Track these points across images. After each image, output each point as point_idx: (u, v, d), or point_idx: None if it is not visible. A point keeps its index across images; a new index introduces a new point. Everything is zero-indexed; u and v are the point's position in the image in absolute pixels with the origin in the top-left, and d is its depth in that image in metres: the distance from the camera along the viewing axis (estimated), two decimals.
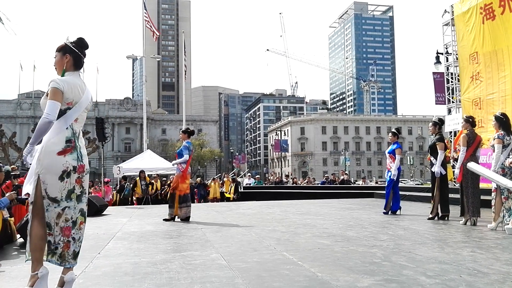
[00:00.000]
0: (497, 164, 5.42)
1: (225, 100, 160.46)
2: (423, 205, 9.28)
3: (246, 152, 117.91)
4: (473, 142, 6.08)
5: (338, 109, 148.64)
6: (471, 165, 2.00)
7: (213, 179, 16.72)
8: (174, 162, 7.24)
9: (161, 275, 3.15)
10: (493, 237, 4.85)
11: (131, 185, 13.46)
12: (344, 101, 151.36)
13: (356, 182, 26.59)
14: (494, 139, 5.62)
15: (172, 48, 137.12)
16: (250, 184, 18.12)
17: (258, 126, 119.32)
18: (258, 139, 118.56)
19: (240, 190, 15.52)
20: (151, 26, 22.96)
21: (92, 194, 12.94)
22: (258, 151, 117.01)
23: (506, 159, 5.35)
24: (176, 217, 7.00)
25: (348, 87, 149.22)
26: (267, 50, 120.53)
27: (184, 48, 26.98)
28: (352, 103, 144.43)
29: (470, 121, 6.33)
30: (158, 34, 23.90)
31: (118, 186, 15.01)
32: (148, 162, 15.65)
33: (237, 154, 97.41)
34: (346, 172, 22.77)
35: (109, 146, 67.22)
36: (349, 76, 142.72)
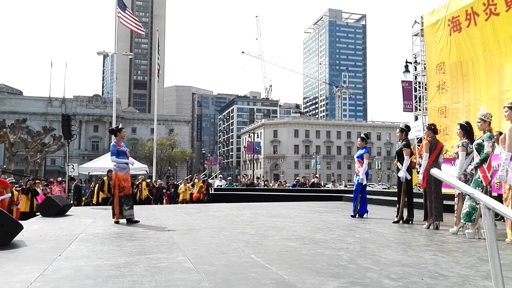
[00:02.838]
0: (460, 171, 5.64)
1: (199, 100, 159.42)
2: (389, 209, 9.50)
3: (218, 154, 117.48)
4: (435, 149, 6.31)
5: (310, 113, 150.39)
6: (434, 171, 2.05)
7: (183, 180, 16.53)
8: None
9: (124, 278, 3.06)
10: (454, 241, 5.02)
11: (98, 185, 13.10)
12: (317, 105, 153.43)
13: (326, 185, 26.92)
14: (458, 147, 5.84)
15: (146, 46, 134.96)
16: (221, 185, 18.01)
17: (231, 127, 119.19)
18: (231, 140, 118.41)
19: (211, 192, 15.39)
20: (134, 23, 22.32)
21: (56, 194, 12.53)
22: (231, 153, 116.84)
23: (468, 166, 5.57)
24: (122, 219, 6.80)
25: (321, 92, 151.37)
26: (242, 52, 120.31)
27: (158, 46, 26.65)
28: (324, 108, 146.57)
29: (432, 129, 6.58)
30: (142, 32, 23.27)
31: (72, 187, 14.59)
32: (111, 161, 15.22)
33: (209, 155, 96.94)
34: (316, 175, 23.03)
35: (75, 144, 65.37)
36: (322, 82, 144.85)
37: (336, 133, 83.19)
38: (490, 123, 5.54)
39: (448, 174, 1.93)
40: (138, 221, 6.82)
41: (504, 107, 5.16)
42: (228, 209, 9.69)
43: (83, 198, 15.99)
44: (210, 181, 20.05)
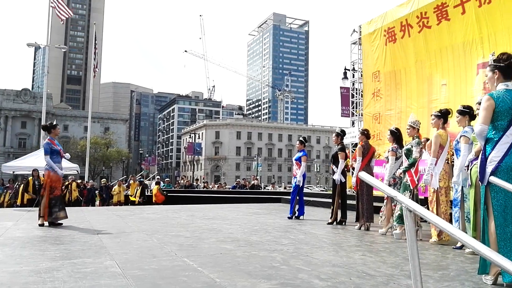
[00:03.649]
0: (390, 174, 5.95)
1: (138, 98, 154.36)
2: (325, 211, 9.77)
3: (157, 154, 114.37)
4: (368, 153, 6.62)
5: (253, 115, 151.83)
6: (362, 175, 2.11)
7: (118, 181, 15.85)
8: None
9: (44, 285, 2.82)
10: (382, 241, 5.26)
11: (23, 185, 12.16)
12: (260, 108, 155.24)
13: (266, 187, 27.27)
14: (388, 151, 6.15)
15: (82, 39, 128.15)
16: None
17: (171, 127, 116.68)
18: (170, 141, 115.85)
19: (146, 194, 14.90)
20: (59, 9, 20.79)
21: None
22: (170, 154, 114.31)
23: (397, 170, 5.89)
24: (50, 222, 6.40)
25: (264, 95, 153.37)
26: (185, 51, 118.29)
27: (95, 40, 25.35)
28: (267, 111, 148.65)
29: (365, 134, 6.90)
30: (68, 15, 21.56)
31: None
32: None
33: (147, 155, 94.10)
34: (257, 177, 23.23)
35: None
36: (266, 85, 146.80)
37: (278, 136, 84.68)
38: (418, 129, 5.89)
39: (374, 177, 1.99)
40: (61, 224, 6.39)
41: (431, 115, 5.50)
42: (164, 212, 9.43)
43: (5, 199, 14.74)
44: (146, 182, 19.44)
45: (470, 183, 4.39)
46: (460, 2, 10.83)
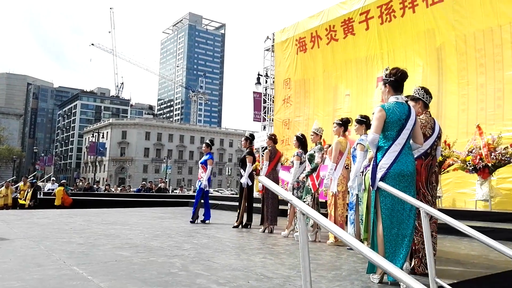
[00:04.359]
0: (294, 178, 6.15)
1: (35, 92, 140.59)
2: (233, 214, 9.79)
3: (54, 154, 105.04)
4: (274, 157, 6.79)
5: (164, 115, 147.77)
6: (261, 179, 2.10)
7: (6, 183, 14.18)
8: None
9: None
10: (284, 243, 5.39)
11: None
12: (172, 108, 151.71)
13: (174, 191, 26.64)
14: (294, 156, 6.36)
15: None
16: (53, 190, 16.00)
17: (72, 125, 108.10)
18: (71, 139, 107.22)
19: (39, 197, 13.51)
20: None
21: None
22: (70, 153, 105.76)
23: (301, 174, 6.11)
24: None
25: (177, 95, 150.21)
26: (92, 44, 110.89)
27: None
28: (179, 112, 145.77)
29: (272, 139, 7.08)
30: None
31: None
32: None
33: (42, 155, 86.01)
34: (164, 180, 22.56)
35: None
36: (179, 85, 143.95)
37: (190, 138, 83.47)
38: (321, 136, 6.18)
39: (272, 181, 1.98)
40: None
41: (333, 123, 5.82)
42: (57, 216, 8.63)
43: None
44: (40, 184, 17.72)
45: (364, 188, 4.70)
46: (365, 18, 11.75)
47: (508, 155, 7.59)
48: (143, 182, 21.99)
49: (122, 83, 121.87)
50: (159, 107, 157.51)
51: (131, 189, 21.67)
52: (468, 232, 2.45)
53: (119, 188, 20.73)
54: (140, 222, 7.66)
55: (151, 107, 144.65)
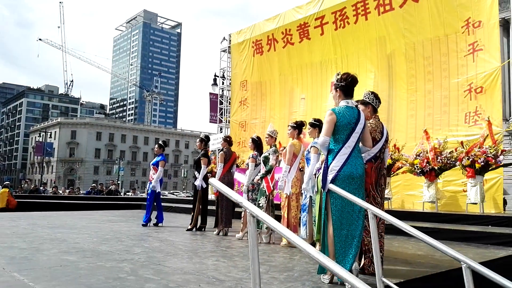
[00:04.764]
0: (249, 180, 6.15)
1: None
2: (187, 217, 9.65)
3: None
4: (229, 159, 6.78)
5: (117, 115, 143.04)
6: (212, 181, 2.08)
7: None
8: None
9: None
10: (238, 246, 5.38)
11: None
12: (125, 108, 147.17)
13: (127, 193, 25.87)
14: (249, 158, 6.37)
15: None
16: None
17: (18, 124, 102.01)
18: (16, 139, 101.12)
19: None
20: None
21: None
22: (15, 154, 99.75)
23: (256, 176, 6.12)
24: None
25: (130, 95, 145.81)
26: (40, 39, 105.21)
27: None
28: (133, 112, 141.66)
29: (227, 140, 7.06)
30: None
31: None
32: None
33: None
34: (116, 182, 21.85)
35: None
36: (133, 84, 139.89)
37: (144, 139, 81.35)
38: (276, 138, 6.24)
39: (222, 184, 1.97)
40: None
41: (288, 126, 5.89)
42: None
43: None
44: None
45: (316, 190, 4.79)
46: (320, 24, 12.00)
47: (453, 159, 8.03)
48: (93, 184, 21.14)
49: (72, 81, 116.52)
50: (111, 106, 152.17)
51: (81, 192, 20.76)
52: (411, 232, 2.56)
53: (67, 191, 19.80)
54: (89, 226, 7.36)
55: (102, 106, 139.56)
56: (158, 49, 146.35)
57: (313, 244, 4.97)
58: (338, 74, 3.56)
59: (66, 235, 5.90)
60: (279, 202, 7.48)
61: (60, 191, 19.44)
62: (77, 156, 72.48)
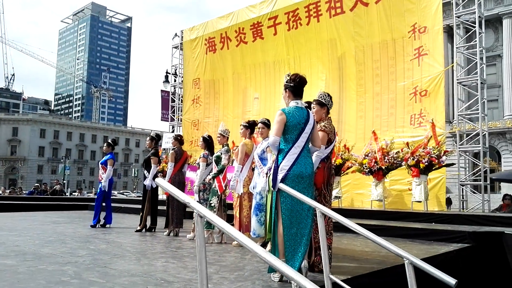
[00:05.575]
0: (200, 180, 6.08)
1: None
2: (137, 217, 9.39)
3: None
4: (180, 159, 6.67)
5: (63, 112, 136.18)
6: (158, 181, 2.04)
7: None
8: None
9: None
10: (189, 246, 5.30)
11: None
12: (71, 104, 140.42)
13: (73, 193, 24.73)
14: (200, 158, 6.30)
15: None
16: None
17: None
18: None
19: None
20: None
21: None
22: None
23: (207, 175, 6.07)
24: None
25: (77, 90, 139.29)
26: None
27: None
28: (80, 108, 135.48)
29: (178, 139, 6.95)
30: None
31: None
32: None
33: None
34: (61, 182, 20.82)
35: None
36: (79, 79, 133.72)
37: (92, 137, 78.07)
38: (228, 138, 6.22)
39: (170, 184, 1.93)
40: None
41: (240, 125, 5.88)
42: None
43: None
44: None
45: (267, 189, 4.82)
46: (273, 23, 12.10)
47: (399, 159, 8.41)
48: (37, 184, 20.01)
49: (13, 75, 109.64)
50: (56, 102, 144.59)
51: (23, 192, 19.57)
52: (357, 230, 2.64)
53: (7, 191, 18.59)
54: (31, 228, 6.96)
55: (47, 102, 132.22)
56: (107, 43, 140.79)
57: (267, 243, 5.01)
58: (288, 75, 3.61)
59: (5, 237, 5.54)
60: (231, 202, 7.49)
61: (0, 191, 18.20)
62: (19, 155, 68.20)
